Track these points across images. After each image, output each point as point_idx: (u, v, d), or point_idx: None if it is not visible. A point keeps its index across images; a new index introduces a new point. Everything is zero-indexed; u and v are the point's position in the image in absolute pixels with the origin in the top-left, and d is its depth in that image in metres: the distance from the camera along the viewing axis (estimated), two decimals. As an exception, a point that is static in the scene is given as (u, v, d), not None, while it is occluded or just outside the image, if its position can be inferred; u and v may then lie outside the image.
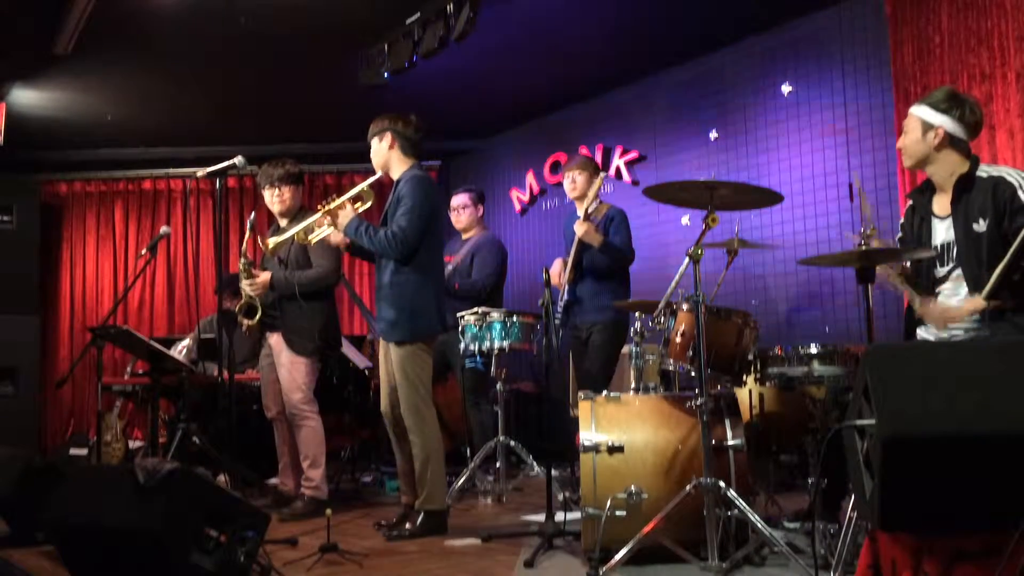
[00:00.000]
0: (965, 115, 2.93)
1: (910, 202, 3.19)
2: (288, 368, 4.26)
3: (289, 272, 4.32)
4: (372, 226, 3.75)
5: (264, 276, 4.31)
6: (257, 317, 4.26)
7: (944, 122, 2.92)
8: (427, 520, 3.70)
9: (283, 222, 4.47)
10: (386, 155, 3.88)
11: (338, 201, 3.80)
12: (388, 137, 3.87)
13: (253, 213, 4.46)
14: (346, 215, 3.77)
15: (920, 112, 2.97)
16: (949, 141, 2.93)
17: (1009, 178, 2.84)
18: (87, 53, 5.59)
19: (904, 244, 3.14)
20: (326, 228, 3.90)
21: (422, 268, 3.76)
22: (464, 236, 5.48)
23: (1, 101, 6.28)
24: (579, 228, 4.43)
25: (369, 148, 3.95)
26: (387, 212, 3.85)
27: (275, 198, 4.42)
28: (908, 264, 3.12)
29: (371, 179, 3.89)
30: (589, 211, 4.52)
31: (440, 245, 4.01)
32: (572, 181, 4.74)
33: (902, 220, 3.22)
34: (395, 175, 3.90)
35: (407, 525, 3.71)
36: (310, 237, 3.92)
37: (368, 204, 3.85)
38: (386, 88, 5.72)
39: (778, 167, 5.67)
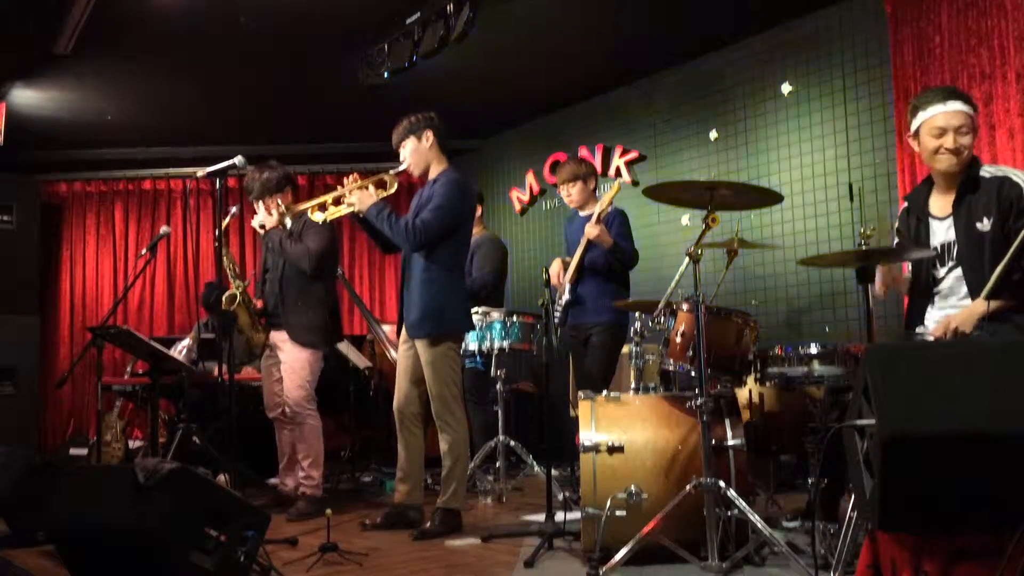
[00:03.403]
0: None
1: (905, 203, 3.18)
2: (290, 363, 4.26)
3: (285, 242, 4.34)
4: (394, 213, 3.75)
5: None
6: (236, 303, 4.27)
7: (977, 120, 2.92)
8: (450, 518, 3.73)
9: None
10: (427, 155, 3.85)
11: (361, 182, 3.79)
12: (430, 135, 3.83)
13: (235, 207, 4.46)
14: (368, 196, 3.76)
15: (972, 111, 2.88)
16: None
17: (1015, 178, 2.84)
18: (87, 53, 5.59)
19: (901, 247, 3.13)
20: (344, 208, 3.82)
21: (449, 267, 3.79)
22: (466, 237, 5.48)
23: (1, 101, 6.28)
24: (591, 230, 4.39)
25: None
26: (417, 209, 3.85)
27: (262, 210, 4.44)
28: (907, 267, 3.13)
29: (399, 168, 3.86)
30: (600, 214, 4.45)
31: (466, 249, 4.01)
32: (568, 194, 4.69)
33: (897, 224, 3.21)
34: (432, 175, 3.87)
35: (427, 524, 3.72)
36: (326, 215, 3.82)
37: (390, 191, 3.82)
38: (386, 88, 5.72)
39: (778, 167, 5.67)
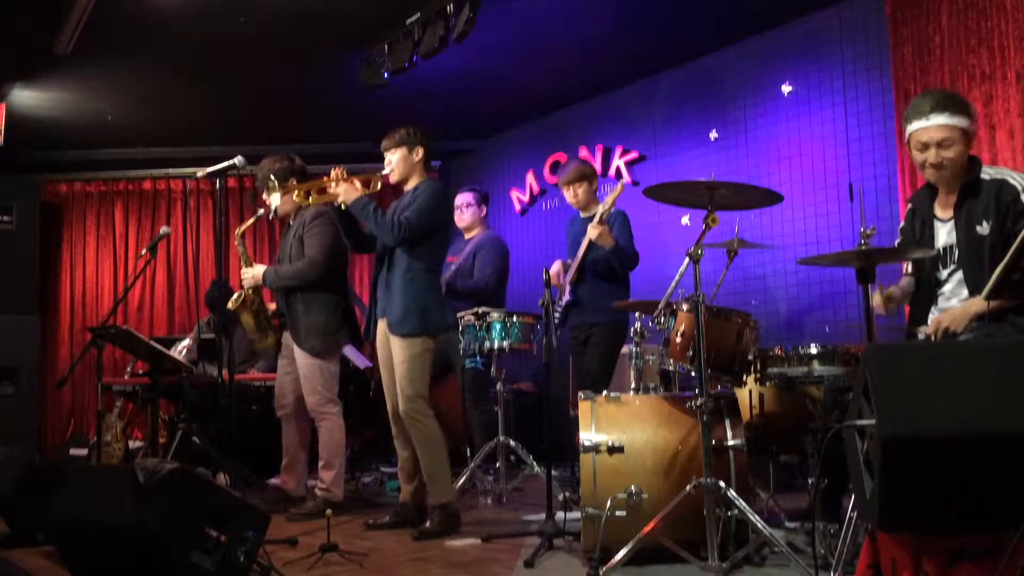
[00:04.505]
0: (976, 114, 2.92)
1: (910, 205, 3.18)
2: (302, 369, 4.26)
3: (279, 267, 4.34)
4: (379, 207, 3.80)
5: (256, 269, 4.33)
6: (239, 299, 4.28)
7: (974, 128, 2.89)
8: (447, 514, 3.75)
9: (289, 219, 4.49)
10: (413, 167, 3.95)
11: (347, 177, 3.84)
12: (420, 151, 3.94)
13: (261, 210, 4.47)
14: (354, 190, 3.81)
15: (960, 122, 2.85)
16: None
17: (1012, 181, 2.84)
18: (87, 53, 5.59)
19: (902, 247, 3.13)
20: (328, 197, 3.89)
21: (431, 267, 3.88)
22: (467, 236, 5.48)
23: (1, 101, 6.28)
24: (593, 231, 4.39)
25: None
26: (394, 211, 3.89)
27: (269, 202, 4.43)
28: (903, 285, 3.13)
29: (385, 172, 3.94)
30: (603, 215, 4.44)
31: (445, 252, 4.08)
32: (574, 195, 4.69)
33: (902, 224, 3.22)
34: (410, 186, 3.97)
35: (427, 524, 3.73)
36: (310, 200, 3.95)
37: (373, 191, 3.89)
38: (386, 88, 5.72)
39: (778, 167, 5.67)
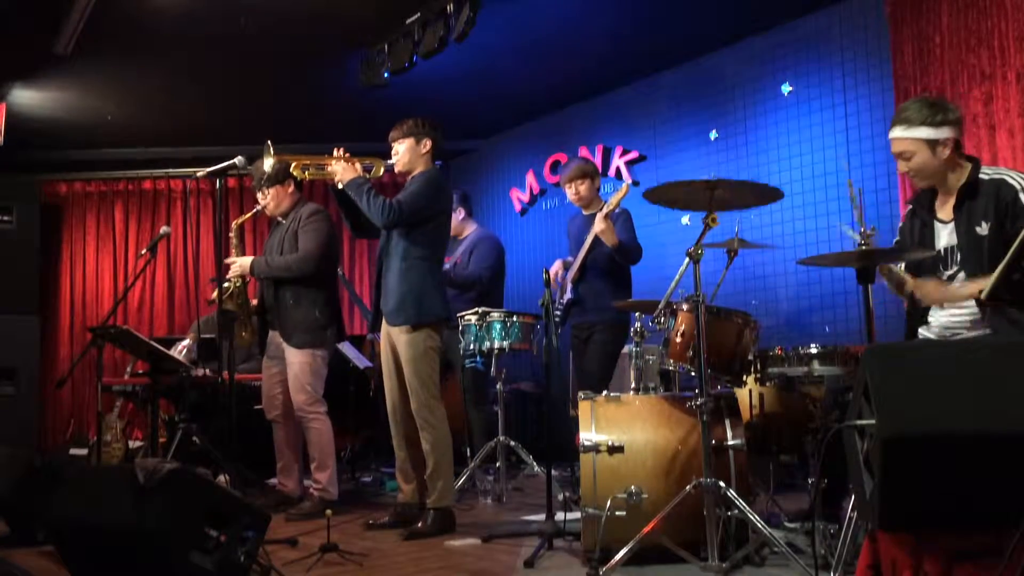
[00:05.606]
0: (955, 117, 2.91)
1: (910, 206, 3.18)
2: (291, 366, 4.24)
3: (270, 257, 4.33)
4: (374, 189, 3.79)
5: (244, 259, 4.33)
6: (228, 293, 4.28)
7: (946, 133, 2.89)
8: (442, 517, 3.73)
9: (280, 218, 4.49)
10: (419, 158, 3.93)
11: (348, 158, 3.84)
12: (428, 144, 3.93)
13: (259, 206, 4.47)
14: (352, 170, 3.81)
15: (917, 133, 2.89)
16: (955, 148, 2.91)
17: (1011, 180, 2.84)
18: (87, 53, 5.59)
19: (900, 246, 3.13)
20: (324, 174, 3.90)
21: (427, 256, 3.83)
22: (460, 238, 5.48)
23: (1, 101, 6.28)
24: (599, 224, 4.41)
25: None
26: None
27: (261, 200, 4.44)
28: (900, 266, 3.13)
29: (390, 162, 3.95)
30: (609, 212, 4.46)
31: (444, 244, 4.05)
32: (576, 192, 4.71)
33: (901, 223, 3.22)
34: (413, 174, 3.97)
35: (420, 524, 3.71)
36: (307, 173, 3.92)
37: (373, 176, 3.90)
38: (386, 88, 5.72)
39: (778, 167, 5.67)
